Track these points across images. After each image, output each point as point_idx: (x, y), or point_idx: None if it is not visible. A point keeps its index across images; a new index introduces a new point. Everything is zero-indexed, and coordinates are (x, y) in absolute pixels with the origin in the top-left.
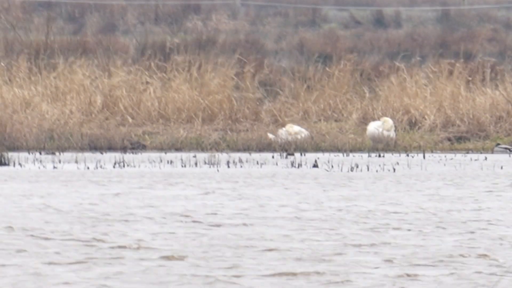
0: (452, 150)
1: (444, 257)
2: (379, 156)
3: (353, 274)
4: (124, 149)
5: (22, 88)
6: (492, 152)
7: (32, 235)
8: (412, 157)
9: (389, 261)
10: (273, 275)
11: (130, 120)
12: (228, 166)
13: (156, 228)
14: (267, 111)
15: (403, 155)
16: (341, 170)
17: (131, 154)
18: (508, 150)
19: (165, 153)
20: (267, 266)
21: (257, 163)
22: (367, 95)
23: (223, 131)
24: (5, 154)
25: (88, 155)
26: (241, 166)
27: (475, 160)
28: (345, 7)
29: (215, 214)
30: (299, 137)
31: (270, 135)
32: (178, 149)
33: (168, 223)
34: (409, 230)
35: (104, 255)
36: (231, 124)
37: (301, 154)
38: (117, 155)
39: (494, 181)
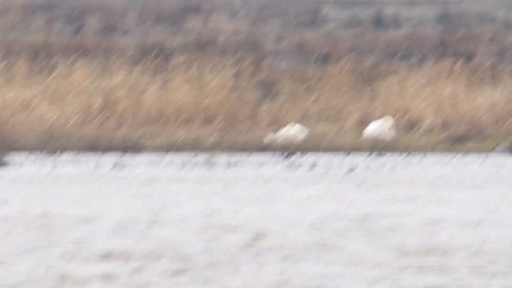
0: (452, 150)
1: None
2: (379, 156)
3: None
4: (123, 150)
5: (22, 89)
6: (492, 152)
7: None
8: (412, 156)
9: None
10: None
11: (130, 121)
12: (228, 167)
13: None
14: (267, 112)
15: (403, 155)
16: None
17: (131, 155)
18: (508, 150)
19: (165, 153)
20: None
21: (257, 163)
22: (367, 95)
23: (222, 131)
24: (4, 154)
25: (87, 155)
26: (241, 167)
27: (475, 160)
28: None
29: None
30: (298, 137)
31: (270, 136)
32: (177, 150)
33: None
34: None
35: None
36: (230, 125)
37: (301, 155)
38: (116, 156)
39: None
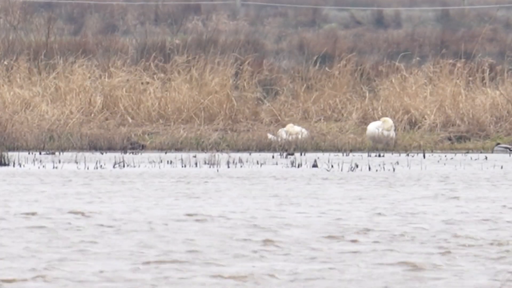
0: (452, 149)
1: None
2: (379, 156)
3: None
4: (124, 149)
5: (22, 88)
6: (492, 151)
7: None
8: (412, 156)
9: None
10: None
11: (130, 120)
12: (228, 166)
13: None
14: (267, 111)
15: (403, 155)
16: (341, 170)
17: (131, 154)
18: (508, 150)
19: (165, 153)
20: None
21: (257, 163)
22: (367, 95)
23: (223, 131)
24: (5, 154)
25: (88, 155)
26: (241, 166)
27: (475, 159)
28: (345, 7)
29: None
30: (299, 137)
31: (270, 135)
32: (178, 149)
33: None
34: None
35: None
36: (231, 124)
37: (301, 154)
38: (117, 155)
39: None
